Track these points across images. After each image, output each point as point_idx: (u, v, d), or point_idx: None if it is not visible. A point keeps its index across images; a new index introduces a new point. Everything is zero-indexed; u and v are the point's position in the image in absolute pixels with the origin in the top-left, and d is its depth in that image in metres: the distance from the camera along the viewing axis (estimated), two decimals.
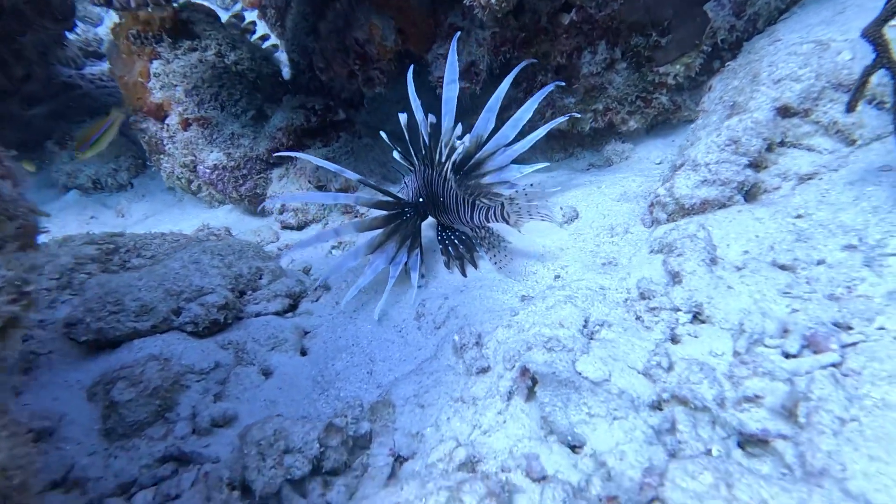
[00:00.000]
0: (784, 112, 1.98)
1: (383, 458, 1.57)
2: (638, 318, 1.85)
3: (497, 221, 2.36)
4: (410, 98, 2.44)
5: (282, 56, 4.92)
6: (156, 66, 3.99)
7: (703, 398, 1.44)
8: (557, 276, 2.40)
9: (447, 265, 2.57)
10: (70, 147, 5.42)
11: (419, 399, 1.74)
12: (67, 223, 4.99)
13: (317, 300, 2.55)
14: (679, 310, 1.78)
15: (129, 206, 5.32)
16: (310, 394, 1.90)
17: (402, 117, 2.46)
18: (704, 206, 2.03)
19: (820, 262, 1.66)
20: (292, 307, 2.49)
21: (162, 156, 4.20)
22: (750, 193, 2.01)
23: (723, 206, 2.00)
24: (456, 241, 2.61)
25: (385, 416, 1.68)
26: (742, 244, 1.83)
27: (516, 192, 2.21)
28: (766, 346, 1.54)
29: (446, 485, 1.29)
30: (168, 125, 4.04)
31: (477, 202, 2.41)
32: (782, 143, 1.99)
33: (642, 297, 1.89)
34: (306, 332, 2.33)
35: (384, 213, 2.40)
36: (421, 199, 2.55)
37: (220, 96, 4.10)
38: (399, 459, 1.60)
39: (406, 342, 2.15)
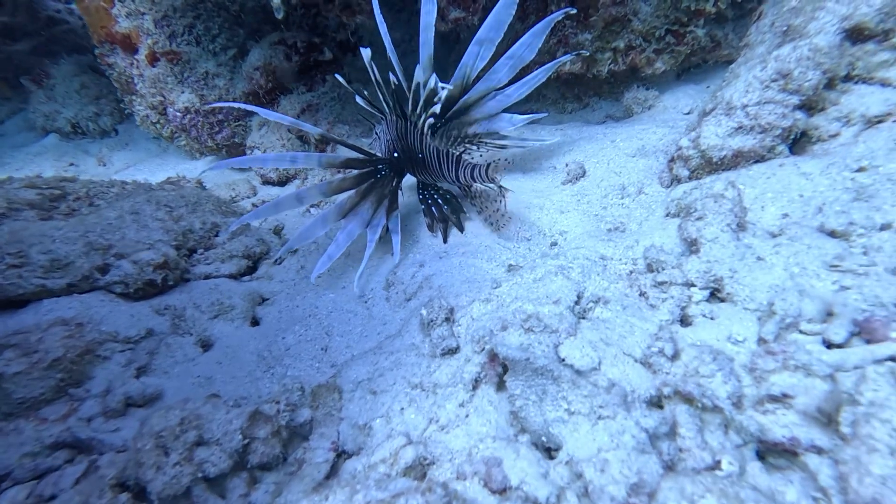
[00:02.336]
0: (855, 35, 1.52)
1: (322, 454, 1.31)
2: (642, 294, 1.53)
3: (484, 182, 2.00)
4: (378, 23, 1.98)
5: None
6: None
7: (715, 395, 1.14)
8: (554, 244, 2.05)
9: (430, 228, 2.24)
10: (47, 85, 5.08)
11: (372, 383, 1.47)
12: (44, 170, 4.72)
13: (279, 263, 2.26)
14: (692, 285, 1.45)
15: (110, 154, 5.02)
16: (253, 371, 1.64)
17: (366, 52, 2.01)
18: (737, 159, 1.64)
19: (884, 227, 1.30)
20: (250, 270, 2.20)
21: (134, 97, 3.84)
22: (798, 143, 1.60)
23: (760, 158, 1.60)
24: (440, 201, 2.24)
25: (330, 402, 1.41)
26: (781, 205, 1.46)
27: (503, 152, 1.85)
28: (801, 332, 1.24)
29: (378, 497, 1.02)
30: (137, 60, 3.64)
31: (463, 158, 2.04)
32: (848, 78, 1.55)
33: (649, 268, 1.55)
34: (264, 299, 2.06)
35: (355, 171, 2.04)
36: (396, 155, 2.17)
37: (195, 29, 3.67)
38: (342, 455, 1.35)
39: (370, 315, 1.86)
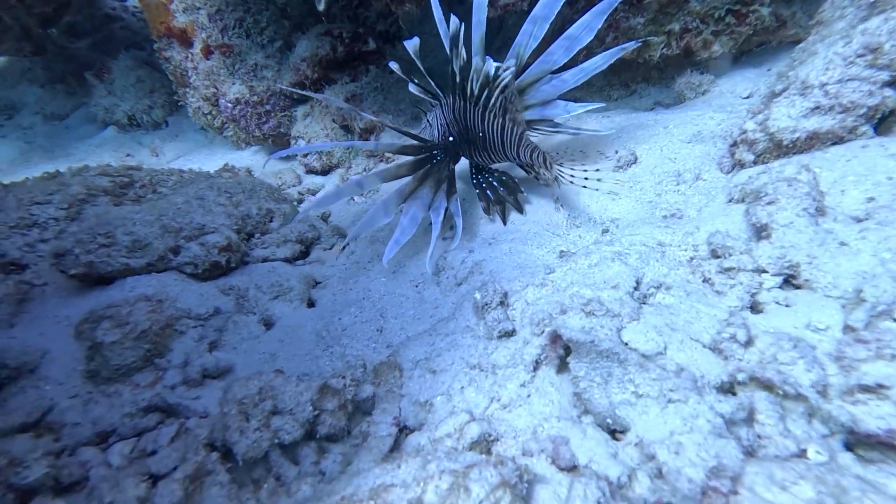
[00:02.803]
0: None
1: (385, 428, 1.37)
2: (706, 280, 1.50)
3: (540, 165, 2.00)
4: (433, 8, 1.97)
5: None
6: None
7: (797, 383, 1.10)
8: (606, 231, 2.03)
9: (486, 211, 2.23)
10: (107, 80, 5.36)
11: (430, 363, 1.51)
12: (104, 160, 5.01)
13: (330, 248, 2.33)
14: (764, 271, 1.41)
15: (162, 145, 5.27)
16: (312, 349, 1.71)
17: (410, 44, 2.02)
18: (811, 142, 1.57)
19: None
20: (303, 254, 2.29)
21: (187, 89, 4.01)
22: (884, 122, 1.51)
23: (839, 140, 1.52)
24: (495, 183, 2.23)
25: (391, 379, 1.46)
26: (865, 189, 1.39)
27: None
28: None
29: (451, 468, 1.06)
30: (192, 53, 3.80)
31: (525, 136, 2.01)
32: None
33: (714, 254, 1.52)
34: (317, 283, 2.13)
35: (411, 158, 2.04)
36: (451, 138, 2.17)
37: (245, 22, 3.79)
38: (404, 430, 1.40)
39: (422, 299, 1.90)
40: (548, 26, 2.03)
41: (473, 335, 1.59)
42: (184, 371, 1.47)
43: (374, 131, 3.43)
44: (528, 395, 1.31)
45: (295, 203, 3.15)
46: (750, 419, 1.07)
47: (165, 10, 3.75)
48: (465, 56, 2.00)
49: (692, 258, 1.58)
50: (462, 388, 1.40)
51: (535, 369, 1.36)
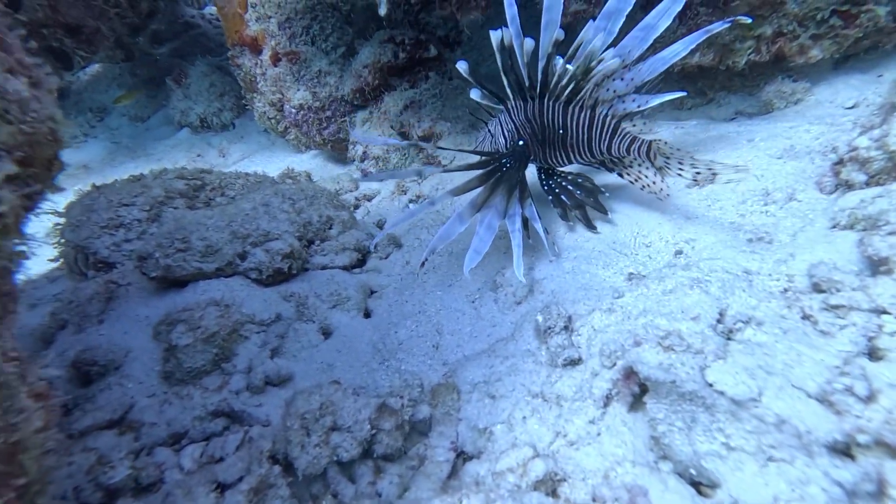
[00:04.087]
0: None
1: (443, 452, 1.32)
2: (806, 317, 1.33)
3: (639, 157, 1.89)
4: (506, 6, 1.88)
5: None
6: None
7: None
8: (679, 252, 1.88)
9: (564, 217, 2.11)
10: (185, 84, 5.75)
11: (490, 387, 1.45)
12: (178, 160, 5.39)
13: (385, 257, 2.33)
14: (885, 312, 1.22)
15: (229, 146, 5.57)
16: (369, 362, 1.71)
17: (495, 35, 1.92)
18: None
19: None
20: (360, 262, 2.30)
21: (255, 94, 4.20)
22: None
23: None
24: (570, 187, 2.10)
25: (448, 402, 1.42)
26: None
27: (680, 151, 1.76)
28: None
29: None
30: (261, 60, 3.98)
31: (621, 126, 1.91)
32: None
33: (817, 288, 1.35)
34: (372, 292, 2.14)
35: (480, 171, 1.97)
36: (521, 143, 2.09)
37: (311, 29, 3.91)
38: (461, 455, 1.35)
39: (479, 316, 1.85)
40: (622, 20, 1.88)
41: (535, 360, 1.51)
42: (248, 377, 1.51)
43: (432, 138, 3.42)
44: (598, 433, 1.22)
45: (352, 209, 3.20)
46: (881, 493, 0.92)
47: (241, 20, 3.95)
48: (521, 60, 1.93)
49: (786, 290, 1.41)
50: (524, 417, 1.33)
51: (606, 405, 1.27)
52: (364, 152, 3.78)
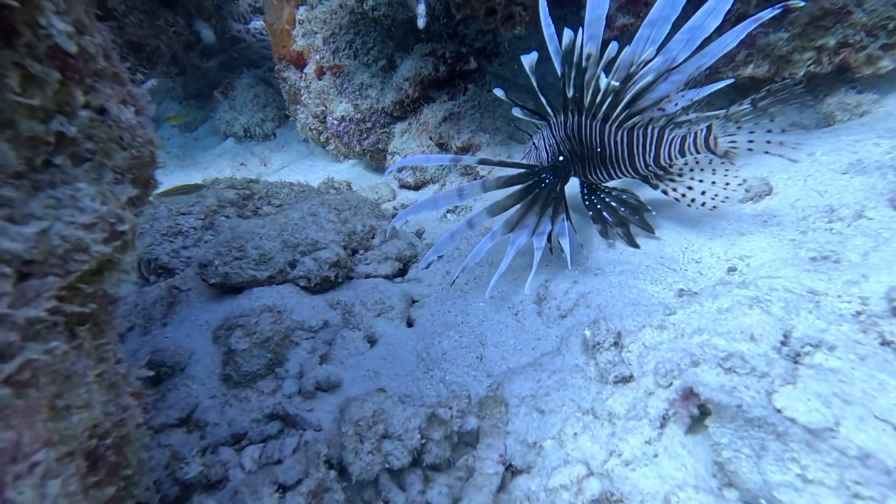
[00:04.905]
0: None
1: (492, 465, 1.32)
2: (886, 343, 1.27)
3: (698, 153, 1.80)
4: (543, 25, 1.89)
5: (420, 3, 4.69)
6: (301, 11, 4.06)
7: None
8: (732, 269, 1.82)
9: (604, 234, 2.09)
10: (231, 96, 6.04)
11: (538, 401, 1.44)
12: (223, 168, 5.64)
13: (426, 267, 2.36)
14: None
15: (270, 155, 5.78)
16: (413, 370, 1.73)
17: (527, 60, 1.94)
18: None
19: None
20: (401, 272, 2.34)
21: (298, 106, 4.37)
22: None
23: None
24: (613, 203, 2.08)
25: (496, 414, 1.42)
26: None
27: (736, 111, 1.61)
28: None
29: None
30: (306, 74, 4.14)
31: (666, 133, 1.85)
32: None
33: None
34: (414, 301, 2.17)
35: (518, 186, 1.98)
36: (561, 158, 2.09)
37: (354, 44, 4.05)
38: (510, 469, 1.35)
39: (522, 328, 1.85)
40: (669, 28, 1.80)
41: (584, 376, 1.50)
42: (299, 382, 1.56)
43: (471, 149, 3.46)
44: (655, 455, 1.19)
45: (392, 218, 3.27)
46: None
47: (288, 36, 4.13)
48: (566, 76, 1.91)
49: (859, 313, 1.35)
50: (575, 434, 1.31)
51: (663, 426, 1.24)
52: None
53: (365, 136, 4.00)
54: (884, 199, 1.64)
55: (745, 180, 2.12)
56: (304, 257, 2.04)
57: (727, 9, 1.73)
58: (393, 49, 4.10)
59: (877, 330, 1.23)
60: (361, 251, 2.37)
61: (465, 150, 3.42)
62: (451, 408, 1.36)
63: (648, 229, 2.03)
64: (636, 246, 2.02)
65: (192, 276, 1.93)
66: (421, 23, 4.40)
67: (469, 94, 3.67)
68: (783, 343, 1.30)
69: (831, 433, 1.02)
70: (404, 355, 1.82)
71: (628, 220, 2.04)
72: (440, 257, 2.47)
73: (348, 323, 1.91)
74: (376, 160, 4.15)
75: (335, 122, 4.01)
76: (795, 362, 1.25)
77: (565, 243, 1.88)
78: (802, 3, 1.63)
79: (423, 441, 1.31)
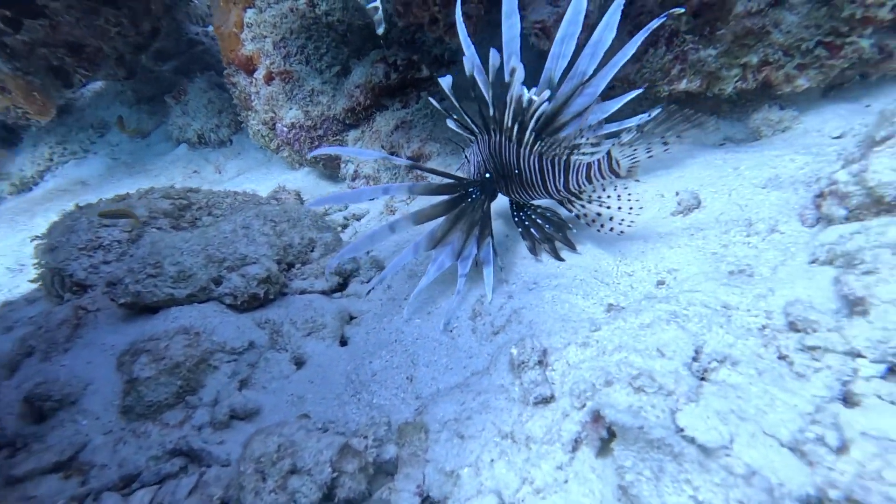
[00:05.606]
0: None
1: (409, 497, 1.27)
2: (782, 357, 1.29)
3: (603, 178, 1.84)
4: (462, 43, 1.92)
5: (378, 9, 4.63)
6: (249, 14, 3.93)
7: None
8: (661, 283, 1.84)
9: (532, 251, 2.11)
10: (183, 101, 5.81)
11: (460, 426, 1.40)
12: (174, 176, 5.42)
13: (367, 281, 2.30)
14: (860, 356, 1.18)
15: (225, 162, 5.59)
16: (341, 394, 1.67)
17: (445, 82, 1.98)
18: None
19: None
20: (341, 287, 2.27)
21: (250, 112, 4.23)
22: None
23: None
24: (539, 220, 2.11)
25: (416, 441, 1.37)
26: None
27: (626, 133, 1.70)
28: None
29: None
30: (256, 79, 4.02)
31: (573, 160, 1.89)
32: None
33: (793, 327, 1.31)
34: (352, 318, 2.10)
35: (446, 197, 1.99)
36: (488, 175, 2.09)
37: (306, 49, 3.95)
38: (428, 501, 1.30)
39: (456, 346, 1.81)
40: (574, 44, 1.91)
41: (508, 397, 1.46)
42: (212, 411, 1.47)
43: (421, 159, 3.42)
44: (566, 481, 1.17)
45: (339, 229, 3.18)
46: None
47: (237, 39, 4.00)
48: (488, 93, 1.94)
49: (764, 327, 1.37)
50: (492, 460, 1.28)
51: (575, 449, 1.22)
52: (355, 171, 3.79)
53: (317, 143, 3.90)
54: (794, 213, 1.68)
55: (677, 193, 2.15)
56: (232, 273, 1.95)
57: (618, 21, 1.85)
58: (348, 55, 4.02)
59: (776, 344, 1.25)
60: (298, 265, 2.29)
61: (414, 158, 3.37)
62: (366, 437, 1.30)
63: (571, 246, 2.06)
64: (561, 260, 2.04)
65: (101, 296, 1.80)
66: (380, 30, 4.34)
67: (422, 103, 3.63)
68: (694, 359, 1.31)
69: (726, 451, 1.02)
70: (333, 377, 1.75)
71: (553, 237, 2.07)
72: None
73: (276, 344, 1.82)
74: (330, 168, 4.06)
75: (285, 129, 3.90)
76: (703, 379, 1.25)
77: (488, 272, 1.90)
78: (682, 11, 1.76)
79: (336, 475, 1.24)
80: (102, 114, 6.32)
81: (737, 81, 2.20)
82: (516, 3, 1.85)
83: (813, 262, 1.46)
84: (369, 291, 1.85)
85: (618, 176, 1.79)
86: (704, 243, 1.86)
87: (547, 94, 1.84)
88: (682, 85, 2.38)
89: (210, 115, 5.74)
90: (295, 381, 1.70)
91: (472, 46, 1.94)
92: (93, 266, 2.08)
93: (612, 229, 1.94)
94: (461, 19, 1.93)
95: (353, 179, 3.78)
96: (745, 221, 1.81)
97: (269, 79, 3.88)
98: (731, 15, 2.06)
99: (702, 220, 1.96)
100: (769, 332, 1.32)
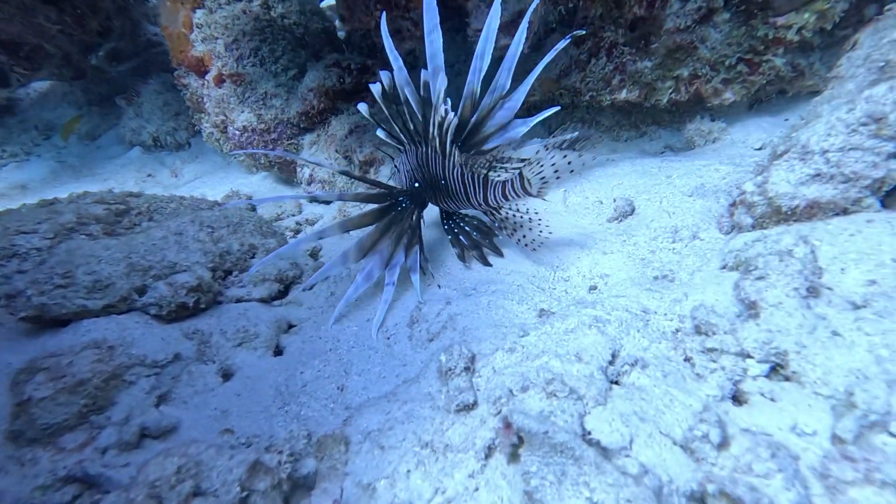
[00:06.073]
0: None
1: None
2: (687, 359, 1.33)
3: (518, 197, 1.90)
4: (388, 52, 1.97)
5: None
6: (199, 15, 3.83)
7: None
8: (593, 288, 1.88)
9: (461, 258, 2.15)
10: (136, 103, 5.60)
11: (382, 437, 1.38)
12: (126, 180, 5.20)
13: (310, 288, 2.26)
14: (749, 356, 1.24)
15: (182, 166, 5.41)
16: (269, 406, 1.62)
17: (375, 88, 2.05)
18: (812, 211, 1.40)
19: None
20: (282, 294, 2.22)
21: (203, 115, 4.12)
22: (892, 196, 1.34)
23: (842, 211, 1.35)
24: (467, 228, 2.17)
25: (335, 454, 1.34)
26: (867, 270, 1.21)
27: (536, 152, 1.77)
28: (891, 435, 0.99)
29: None
30: (207, 81, 3.91)
31: (490, 178, 1.95)
32: None
33: (697, 330, 1.35)
34: (291, 326, 2.05)
35: (376, 206, 2.02)
36: (417, 185, 2.11)
37: (260, 51, 3.87)
38: None
39: (391, 353, 1.79)
40: (489, 58, 1.98)
41: (433, 405, 1.45)
42: (120, 431, 1.40)
43: (374, 164, 3.39)
44: (476, 489, 1.16)
45: (289, 235, 3.12)
46: None
47: (186, 40, 3.88)
48: (415, 104, 2.00)
49: (677, 330, 1.41)
50: (408, 471, 1.26)
51: (488, 457, 1.21)
52: (311, 175, 3.73)
53: (271, 147, 3.82)
54: (714, 221, 1.75)
55: (614, 200, 2.20)
56: (158, 282, 1.87)
57: (524, 36, 1.95)
58: (306, 58, 3.97)
59: (683, 347, 1.28)
60: (236, 272, 2.22)
61: (367, 163, 3.35)
62: (280, 452, 1.26)
63: (498, 253, 2.12)
64: (489, 265, 2.09)
65: (1, 310, 1.69)
66: (342, 33, 4.30)
67: (377, 107, 3.61)
68: (610, 363, 1.33)
69: (625, 451, 1.04)
70: (262, 389, 1.70)
71: (481, 244, 2.11)
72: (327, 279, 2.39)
73: (203, 355, 1.76)
74: (286, 173, 3.99)
75: (237, 132, 3.81)
76: (616, 382, 1.27)
77: (415, 279, 1.93)
78: (584, 32, 1.88)
79: (245, 494, 1.20)
80: (49, 115, 6.03)
81: (671, 93, 2.28)
82: (437, 20, 1.91)
83: (723, 267, 1.52)
84: (288, 300, 1.85)
85: (530, 195, 1.84)
86: (635, 249, 1.91)
87: (449, 108, 1.87)
88: (623, 94, 2.45)
89: (166, 117, 5.55)
90: (220, 394, 1.64)
91: (400, 59, 1.98)
92: (4, 276, 1.95)
93: (527, 245, 1.99)
94: (386, 32, 1.97)
95: (309, 184, 3.72)
96: (671, 228, 1.87)
97: (219, 81, 3.78)
98: (663, 30, 2.14)
99: (634, 227, 2.01)
100: (679, 336, 1.36)
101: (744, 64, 2.09)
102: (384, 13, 2.04)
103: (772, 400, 1.12)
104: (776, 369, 1.17)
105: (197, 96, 4.05)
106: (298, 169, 3.86)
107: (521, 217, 2.00)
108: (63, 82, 6.00)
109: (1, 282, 1.90)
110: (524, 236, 1.99)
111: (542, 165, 1.74)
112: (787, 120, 2.19)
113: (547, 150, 1.72)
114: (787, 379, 1.15)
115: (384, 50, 2.08)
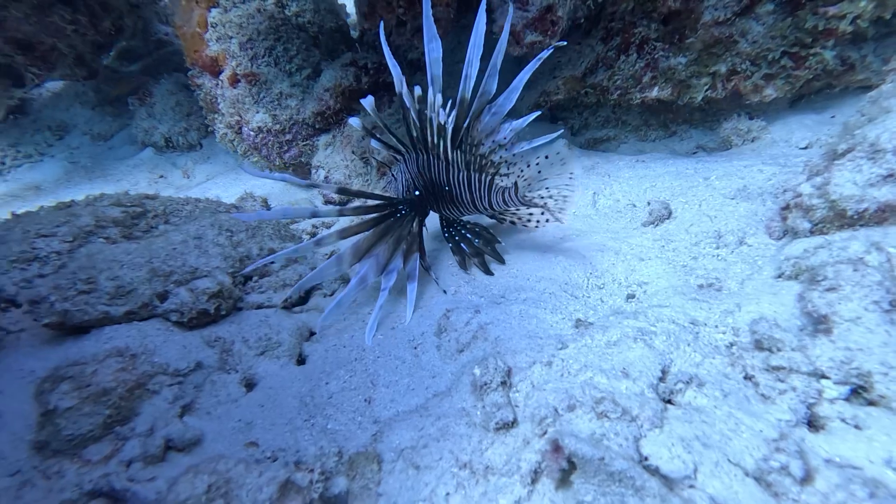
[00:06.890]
0: None
1: None
2: (748, 377, 1.24)
3: (515, 206, 1.90)
4: (386, 60, 1.98)
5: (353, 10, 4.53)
6: (213, 14, 3.78)
7: None
8: (631, 296, 1.79)
9: (462, 266, 2.11)
10: (148, 103, 5.58)
11: (415, 455, 1.31)
12: (139, 181, 5.18)
13: (331, 294, 2.19)
14: (824, 376, 1.14)
15: (194, 167, 5.39)
16: (294, 418, 1.55)
17: (367, 102, 2.03)
18: (884, 215, 1.30)
19: None
20: (302, 300, 2.15)
21: (216, 115, 4.07)
22: None
23: None
24: (468, 235, 2.14)
25: (367, 473, 1.27)
26: None
27: (528, 166, 1.78)
28: None
29: None
30: (221, 81, 3.86)
31: (495, 182, 1.93)
32: None
33: (758, 346, 1.26)
34: (312, 333, 1.99)
35: (374, 214, 2.02)
36: (417, 193, 2.08)
37: (275, 51, 3.83)
38: None
39: (419, 364, 1.71)
40: (478, 63, 1.98)
41: (469, 422, 1.38)
42: (145, 443, 1.34)
43: (394, 165, 3.33)
44: None
45: (305, 237, 3.06)
46: None
47: (200, 40, 3.84)
48: (413, 111, 1.99)
49: (731, 344, 1.33)
50: (447, 494, 1.19)
51: (534, 481, 1.14)
52: (326, 177, 3.67)
53: (285, 148, 3.77)
54: (762, 225, 1.66)
55: (648, 202, 2.11)
56: (179, 288, 1.81)
57: (506, 42, 1.95)
58: (320, 58, 3.92)
59: (742, 363, 1.20)
60: (256, 278, 2.17)
61: (388, 164, 3.27)
62: (312, 471, 1.20)
63: (500, 260, 2.09)
64: (491, 274, 2.05)
65: (26, 315, 1.65)
66: (354, 33, 4.24)
67: (394, 107, 3.55)
68: (660, 380, 1.25)
69: (689, 481, 0.96)
70: (286, 400, 1.64)
71: (483, 251, 2.08)
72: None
73: (225, 364, 1.70)
74: (300, 174, 3.93)
75: (251, 133, 3.76)
76: (668, 401, 1.19)
77: (411, 289, 1.89)
78: (564, 43, 1.94)
79: None
80: (62, 115, 6.03)
81: (707, 90, 2.19)
82: (435, 29, 1.92)
83: (779, 276, 1.43)
84: (286, 299, 1.82)
85: (524, 204, 1.86)
86: (675, 255, 1.82)
87: (445, 113, 1.87)
88: (654, 93, 2.36)
89: (178, 117, 5.53)
90: (243, 405, 1.58)
91: (398, 67, 1.99)
92: (25, 280, 1.91)
93: (538, 224, 1.98)
94: (384, 39, 1.99)
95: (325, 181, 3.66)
96: (714, 233, 1.78)
97: (234, 81, 3.73)
98: (699, 23, 2.05)
99: (672, 231, 1.92)
100: (736, 351, 1.28)
101: (788, 58, 1.99)
102: (381, 22, 2.05)
103: (856, 427, 1.03)
104: (857, 392, 1.08)
105: (211, 97, 4.00)
106: (313, 171, 3.80)
107: (524, 216, 2.00)
108: (76, 82, 6.00)
109: (23, 286, 1.86)
110: (538, 219, 1.98)
111: (529, 185, 1.77)
112: (833, 117, 2.09)
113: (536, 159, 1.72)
114: (872, 403, 1.06)
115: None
